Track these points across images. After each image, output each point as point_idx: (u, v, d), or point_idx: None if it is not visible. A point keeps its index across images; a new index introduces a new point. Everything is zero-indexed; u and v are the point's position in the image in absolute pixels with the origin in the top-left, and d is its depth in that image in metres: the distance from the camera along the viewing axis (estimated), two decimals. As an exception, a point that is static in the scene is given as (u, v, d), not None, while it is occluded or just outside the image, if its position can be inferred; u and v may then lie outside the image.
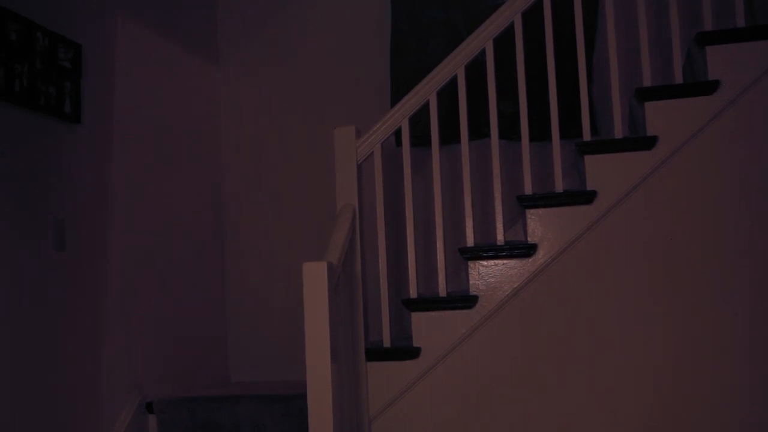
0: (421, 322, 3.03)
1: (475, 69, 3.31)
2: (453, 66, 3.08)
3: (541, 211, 3.02)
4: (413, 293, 3.08)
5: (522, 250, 3.00)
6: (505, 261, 3.01)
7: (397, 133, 3.20)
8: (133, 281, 3.56)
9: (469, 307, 3.00)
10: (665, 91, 2.99)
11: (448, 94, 3.20)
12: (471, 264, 3.04)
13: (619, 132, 3.03)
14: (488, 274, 3.02)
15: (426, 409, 2.99)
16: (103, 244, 3.37)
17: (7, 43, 2.87)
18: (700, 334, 2.88)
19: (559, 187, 3.04)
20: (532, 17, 3.15)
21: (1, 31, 2.85)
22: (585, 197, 2.98)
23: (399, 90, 4.02)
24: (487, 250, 3.03)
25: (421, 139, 3.81)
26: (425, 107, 3.11)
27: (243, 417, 3.38)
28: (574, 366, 2.93)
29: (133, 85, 3.63)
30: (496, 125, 3.09)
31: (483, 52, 3.10)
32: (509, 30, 3.09)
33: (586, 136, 3.05)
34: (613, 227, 2.96)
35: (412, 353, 3.01)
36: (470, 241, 3.08)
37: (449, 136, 3.64)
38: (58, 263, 3.09)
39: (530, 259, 3.00)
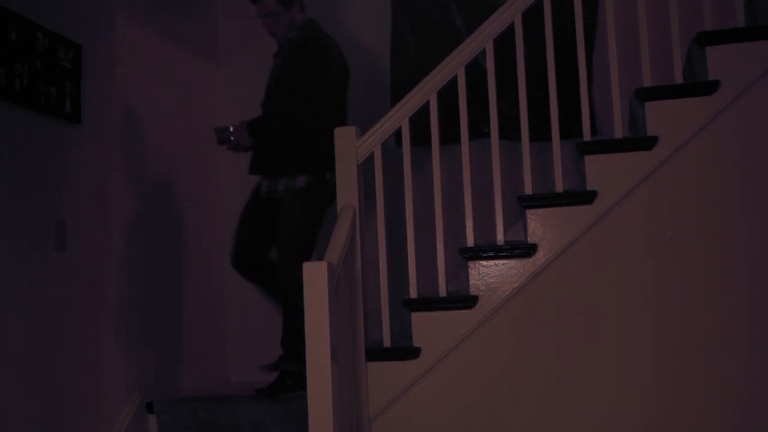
0: (421, 322, 3.03)
1: (476, 69, 3.31)
2: (453, 66, 3.08)
3: (541, 211, 3.02)
4: (413, 293, 3.08)
5: (522, 250, 3.00)
6: (505, 261, 3.01)
7: (397, 133, 3.20)
8: (133, 281, 3.56)
9: (469, 308, 3.00)
10: (665, 91, 2.99)
11: (448, 93, 3.20)
12: (471, 264, 3.04)
13: (619, 132, 3.03)
14: (488, 274, 3.02)
15: (426, 409, 2.99)
16: (103, 244, 3.37)
17: (7, 43, 2.88)
18: (701, 333, 2.88)
19: (559, 187, 3.04)
20: (532, 17, 3.15)
21: (2, 31, 2.85)
22: (585, 197, 2.98)
23: (399, 90, 4.02)
24: (487, 250, 3.03)
25: (421, 138, 3.81)
26: (425, 107, 3.11)
27: (243, 417, 3.38)
28: (574, 366, 2.93)
29: (133, 85, 3.63)
30: (497, 125, 3.09)
31: (483, 52, 3.10)
32: (509, 30, 3.09)
33: (586, 136, 3.05)
34: (613, 227, 2.96)
35: (412, 353, 3.01)
36: (470, 241, 3.08)
37: (449, 136, 3.64)
38: (58, 263, 3.09)
39: (530, 259, 2.99)
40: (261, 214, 3.62)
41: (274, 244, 3.62)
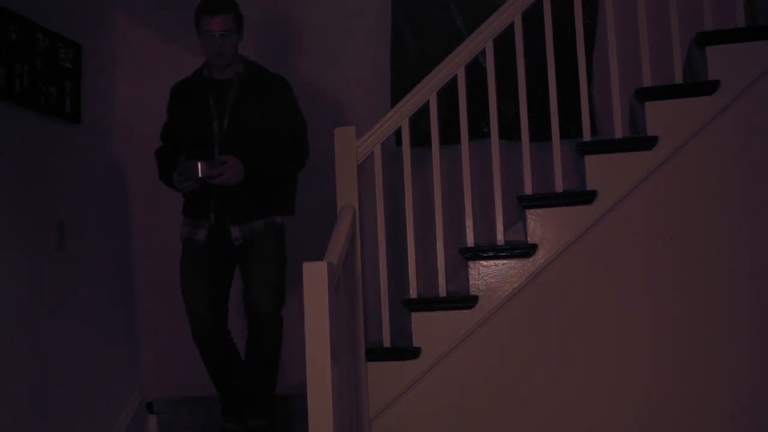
0: (421, 322, 3.03)
1: (476, 69, 3.31)
2: (453, 66, 3.09)
3: (541, 211, 3.02)
4: (413, 293, 3.08)
5: (522, 250, 3.00)
6: (505, 261, 3.01)
7: (397, 133, 3.20)
8: (133, 281, 3.56)
9: (469, 307, 3.00)
10: (665, 91, 2.99)
11: (448, 93, 3.20)
12: (471, 264, 3.04)
13: (619, 132, 3.03)
14: (488, 274, 3.02)
15: (426, 409, 2.99)
16: (103, 244, 3.37)
17: (7, 43, 2.88)
18: (701, 333, 2.88)
19: (559, 187, 3.04)
20: (532, 17, 3.15)
21: (2, 31, 2.86)
22: (585, 197, 2.98)
23: (399, 90, 4.01)
24: (487, 250, 3.04)
25: (421, 139, 3.81)
26: (425, 107, 3.11)
27: (243, 417, 3.38)
28: (574, 366, 2.93)
29: (133, 85, 3.63)
30: (497, 125, 3.09)
31: (483, 52, 3.10)
32: (509, 30, 3.09)
33: (586, 136, 3.05)
34: (613, 227, 2.96)
35: (412, 353, 3.01)
36: (470, 241, 3.08)
37: (449, 136, 3.64)
38: (58, 263, 3.09)
39: (530, 259, 2.99)
40: (227, 263, 3.26)
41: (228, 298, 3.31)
